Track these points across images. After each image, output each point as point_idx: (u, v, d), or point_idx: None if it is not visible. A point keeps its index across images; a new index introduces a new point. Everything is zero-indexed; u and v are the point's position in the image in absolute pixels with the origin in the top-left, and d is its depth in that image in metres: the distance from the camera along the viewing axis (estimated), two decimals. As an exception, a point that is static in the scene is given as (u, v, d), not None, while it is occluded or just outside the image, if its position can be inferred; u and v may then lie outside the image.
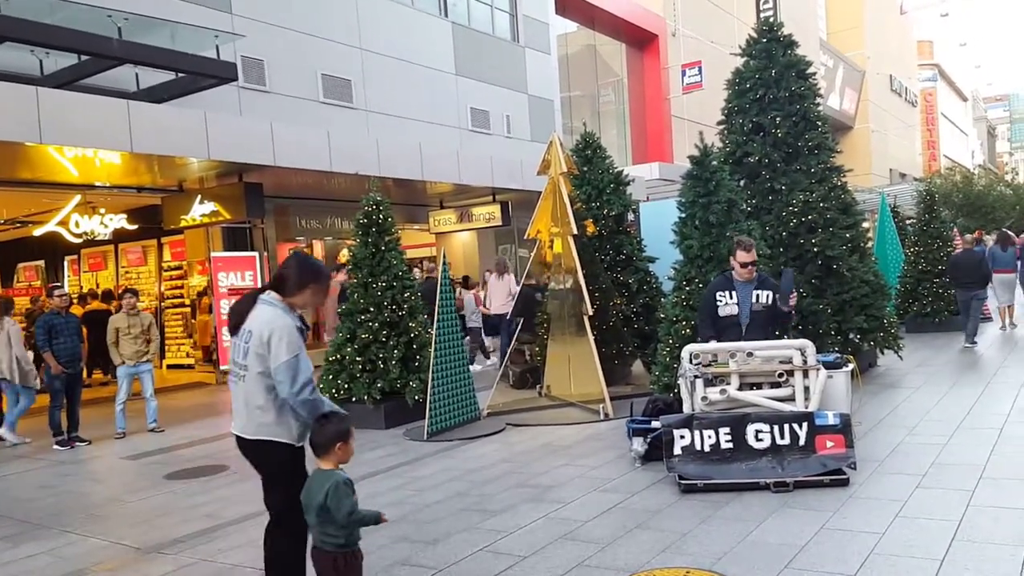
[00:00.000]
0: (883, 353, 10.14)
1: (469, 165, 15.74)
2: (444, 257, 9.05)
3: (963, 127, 77.64)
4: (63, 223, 12.97)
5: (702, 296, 6.82)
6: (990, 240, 18.62)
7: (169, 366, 15.73)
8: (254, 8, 14.77)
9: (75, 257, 17.83)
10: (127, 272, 16.85)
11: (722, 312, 6.32)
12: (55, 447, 8.85)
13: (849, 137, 44.74)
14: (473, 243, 19.95)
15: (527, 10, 22.26)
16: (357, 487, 6.22)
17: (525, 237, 10.31)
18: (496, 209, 17.65)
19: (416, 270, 15.10)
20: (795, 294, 6.39)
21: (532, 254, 10.28)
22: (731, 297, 6.32)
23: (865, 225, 10.64)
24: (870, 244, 10.90)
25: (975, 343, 11.68)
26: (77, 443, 8.99)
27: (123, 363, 9.38)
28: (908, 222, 18.43)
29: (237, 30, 13.47)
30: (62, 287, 10.12)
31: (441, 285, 8.45)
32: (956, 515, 4.61)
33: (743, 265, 6.30)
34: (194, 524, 5.63)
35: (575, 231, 9.14)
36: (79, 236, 13.23)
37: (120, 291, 11.36)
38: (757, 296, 6.29)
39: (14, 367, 9.02)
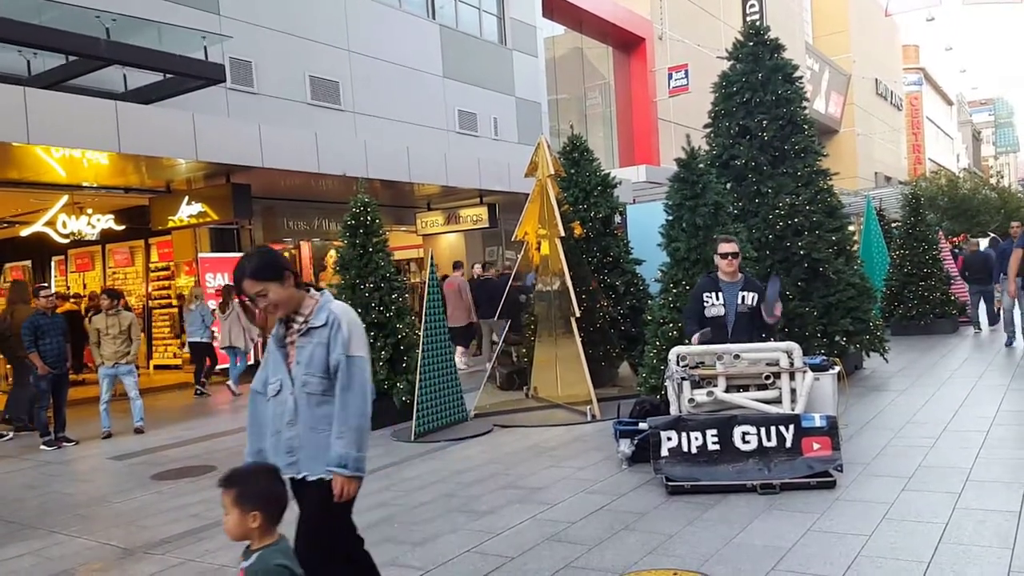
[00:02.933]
0: (869, 356, 10.21)
1: (456, 167, 15.74)
2: (432, 259, 9.06)
3: (948, 131, 78.19)
4: (50, 223, 12.89)
5: (688, 297, 6.87)
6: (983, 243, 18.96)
7: (156, 367, 15.66)
8: (242, 10, 14.72)
9: (62, 257, 17.72)
10: (114, 273, 16.77)
11: (708, 313, 6.35)
12: (42, 447, 8.80)
13: (835, 141, 45.00)
14: (460, 245, 19.93)
15: (515, 13, 22.28)
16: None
17: (512, 239, 10.33)
18: (483, 211, 17.66)
19: (477, 266, 15.41)
20: (780, 304, 6.37)
21: (519, 256, 10.29)
22: (717, 298, 6.35)
23: (851, 228, 10.74)
24: (856, 247, 10.99)
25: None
26: (64, 443, 8.94)
27: (102, 363, 9.36)
28: (894, 225, 18.57)
29: (225, 31, 13.43)
30: (48, 288, 10.05)
31: (429, 287, 8.45)
32: (943, 518, 4.64)
33: (723, 256, 6.33)
34: (181, 524, 5.61)
35: (562, 233, 9.17)
36: (66, 236, 13.17)
37: (100, 292, 11.46)
38: (743, 298, 6.33)
39: (241, 337, 12.28)
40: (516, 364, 11.01)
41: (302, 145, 12.74)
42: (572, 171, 10.72)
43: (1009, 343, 11.93)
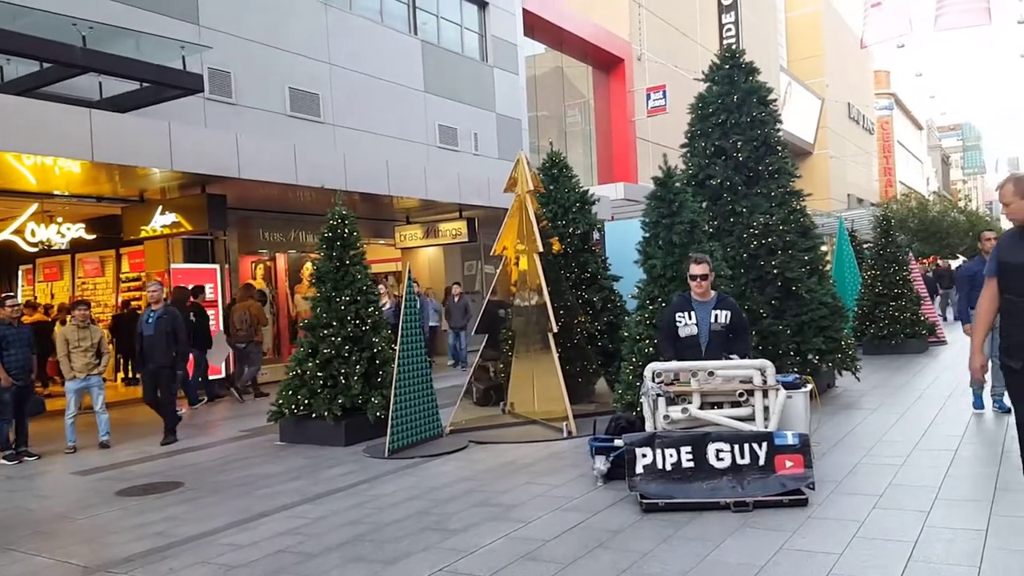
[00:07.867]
0: (841, 374, 10.29)
1: (436, 181, 15.74)
2: (409, 273, 9.02)
3: (918, 155, 79.56)
4: (19, 232, 12.67)
5: (663, 316, 6.91)
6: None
7: (124, 379, 15.41)
8: (222, 20, 14.65)
9: (30, 267, 17.45)
10: (83, 283, 16.53)
11: (682, 332, 6.40)
12: (2, 461, 8.60)
13: (808, 162, 45.58)
14: (439, 259, 19.91)
15: (496, 31, 22.41)
16: (315, 505, 6.17)
17: (491, 254, 10.33)
18: (463, 225, 17.65)
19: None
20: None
21: (498, 271, 10.28)
22: (690, 318, 6.41)
23: (823, 248, 10.84)
24: (828, 267, 11.08)
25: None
26: (26, 457, 8.75)
27: (73, 377, 9.18)
28: (865, 246, 18.84)
29: (204, 42, 13.35)
30: (14, 297, 9.87)
31: (407, 302, 8.40)
32: (912, 536, 4.67)
33: (692, 278, 6.42)
34: (145, 542, 5.49)
35: (541, 249, 9.17)
36: (35, 245, 12.94)
37: (71, 303, 11.20)
38: (716, 316, 6.39)
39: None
40: (493, 380, 10.96)
41: (280, 156, 12.66)
42: (551, 187, 10.76)
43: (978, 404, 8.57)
